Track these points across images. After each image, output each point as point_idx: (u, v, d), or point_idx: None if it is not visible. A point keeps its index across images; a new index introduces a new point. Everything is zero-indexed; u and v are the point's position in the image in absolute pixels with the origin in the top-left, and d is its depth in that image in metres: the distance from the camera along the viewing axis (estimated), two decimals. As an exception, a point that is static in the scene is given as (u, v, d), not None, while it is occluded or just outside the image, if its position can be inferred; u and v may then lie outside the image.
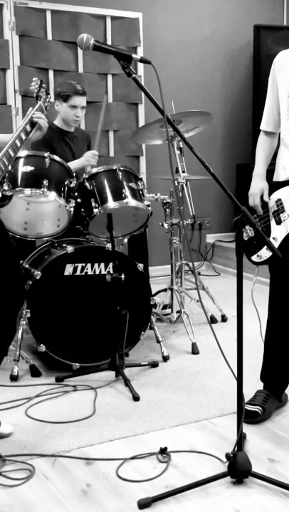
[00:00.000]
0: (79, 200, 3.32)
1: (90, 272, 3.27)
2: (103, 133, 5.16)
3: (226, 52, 5.82)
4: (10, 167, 2.57)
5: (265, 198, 2.65)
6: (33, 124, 2.69)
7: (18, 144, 2.61)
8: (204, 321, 3.99)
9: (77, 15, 4.96)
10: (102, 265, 3.29)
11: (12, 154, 2.55)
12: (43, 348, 3.20)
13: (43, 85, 2.94)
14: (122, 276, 3.14)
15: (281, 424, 2.70)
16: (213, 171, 2.12)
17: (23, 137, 2.65)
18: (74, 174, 3.39)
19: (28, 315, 3.19)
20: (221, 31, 5.76)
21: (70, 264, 3.22)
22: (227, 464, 2.23)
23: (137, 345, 3.46)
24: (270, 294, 2.73)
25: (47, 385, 3.12)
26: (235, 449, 2.22)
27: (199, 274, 5.44)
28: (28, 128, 2.68)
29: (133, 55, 2.14)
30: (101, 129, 4.08)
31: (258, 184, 2.69)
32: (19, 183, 3.13)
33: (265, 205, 2.66)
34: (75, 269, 3.24)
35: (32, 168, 3.17)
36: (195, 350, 3.58)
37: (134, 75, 2.14)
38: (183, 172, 3.89)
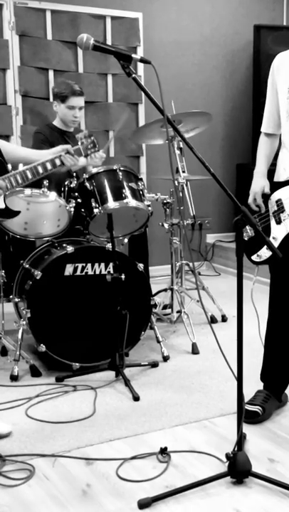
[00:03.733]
0: (79, 200, 3.33)
1: (90, 272, 3.27)
2: (103, 133, 5.16)
3: (226, 52, 5.82)
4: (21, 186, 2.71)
5: (267, 191, 2.65)
6: (62, 161, 2.84)
7: (41, 170, 2.76)
8: (204, 321, 3.99)
9: (77, 15, 4.96)
10: (103, 265, 3.29)
11: (30, 176, 2.70)
12: (43, 348, 3.20)
13: (92, 138, 3.01)
14: (122, 277, 3.14)
15: (281, 424, 2.70)
16: (213, 171, 2.12)
17: (49, 167, 2.78)
18: (74, 174, 3.39)
19: (28, 315, 3.19)
20: (220, 31, 5.76)
21: (70, 264, 3.23)
22: (227, 463, 2.23)
23: (137, 345, 3.46)
24: (270, 293, 2.74)
25: (47, 385, 3.12)
26: (235, 449, 2.22)
27: (199, 274, 5.44)
28: (58, 162, 2.80)
29: (133, 55, 2.14)
30: (116, 134, 4.18)
31: (258, 182, 2.70)
32: (19, 183, 3.14)
33: (266, 203, 2.66)
34: (75, 269, 3.24)
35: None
36: (195, 350, 3.58)
37: (134, 75, 2.14)
38: (183, 172, 3.89)
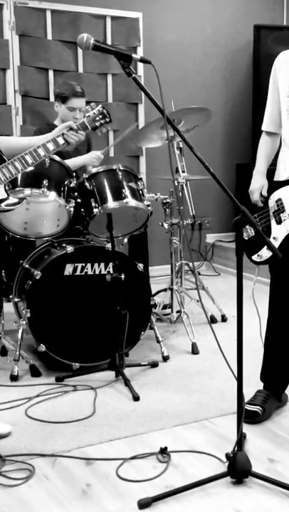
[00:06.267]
0: (79, 200, 3.33)
1: (89, 272, 3.27)
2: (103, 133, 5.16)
3: (226, 52, 5.82)
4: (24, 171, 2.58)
5: (264, 193, 2.65)
6: (66, 139, 2.75)
7: (42, 153, 2.61)
8: (204, 321, 3.99)
9: (77, 15, 4.96)
10: (102, 265, 3.28)
11: (30, 161, 2.57)
12: (42, 347, 3.20)
13: (99, 108, 2.86)
14: (122, 276, 3.14)
15: (281, 424, 2.70)
16: (213, 171, 2.12)
17: (51, 148, 2.66)
18: (74, 174, 3.39)
19: (28, 315, 3.19)
20: (221, 31, 5.76)
21: (69, 264, 3.22)
22: (227, 463, 2.23)
23: (137, 345, 3.46)
24: (271, 293, 2.73)
25: (47, 384, 3.12)
26: (235, 448, 2.22)
27: (199, 274, 5.44)
28: (61, 141, 2.70)
29: (133, 55, 2.14)
30: (119, 141, 4.20)
31: (258, 180, 2.70)
32: (19, 183, 3.13)
33: (265, 202, 2.67)
34: (74, 269, 3.24)
35: (32, 168, 3.16)
36: (195, 350, 3.58)
37: (134, 75, 2.14)
38: (183, 172, 3.89)
